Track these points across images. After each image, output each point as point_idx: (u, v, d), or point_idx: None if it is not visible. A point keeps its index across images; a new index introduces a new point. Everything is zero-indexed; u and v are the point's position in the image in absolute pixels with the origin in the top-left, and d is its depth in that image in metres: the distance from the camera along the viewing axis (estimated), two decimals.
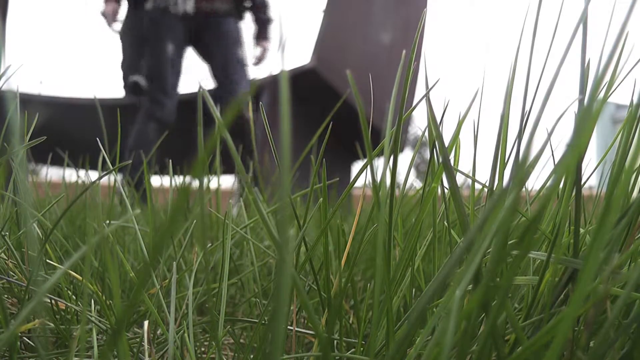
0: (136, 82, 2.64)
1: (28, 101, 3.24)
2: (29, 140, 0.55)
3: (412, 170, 0.57)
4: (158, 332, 0.56)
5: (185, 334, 0.43)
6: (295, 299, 0.51)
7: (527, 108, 0.37)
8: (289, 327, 0.49)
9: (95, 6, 2.76)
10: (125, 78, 2.75)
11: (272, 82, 2.99)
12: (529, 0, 0.39)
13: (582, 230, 0.40)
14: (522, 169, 0.24)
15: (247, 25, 2.92)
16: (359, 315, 0.43)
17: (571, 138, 0.22)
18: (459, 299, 0.24)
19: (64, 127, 2.96)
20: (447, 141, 0.40)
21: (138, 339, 0.49)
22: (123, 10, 2.77)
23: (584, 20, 0.33)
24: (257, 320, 0.47)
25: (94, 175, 0.97)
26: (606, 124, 14.73)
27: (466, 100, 0.42)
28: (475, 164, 0.50)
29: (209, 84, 2.84)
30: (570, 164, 0.30)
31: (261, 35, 2.91)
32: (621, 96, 0.44)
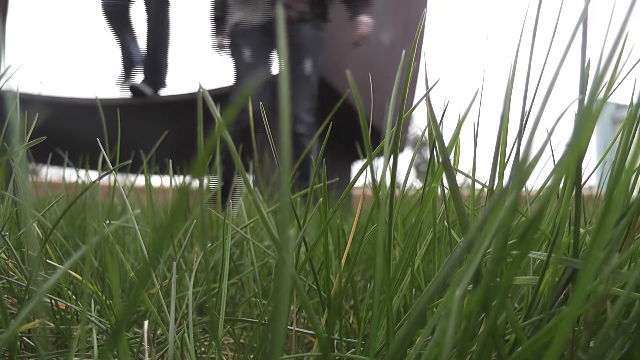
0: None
1: (28, 101, 3.24)
2: (29, 140, 0.55)
3: (412, 170, 0.57)
4: (158, 332, 0.56)
5: (185, 334, 0.43)
6: (295, 299, 0.51)
7: (527, 108, 0.37)
8: (289, 327, 0.49)
9: (95, 6, 2.74)
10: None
11: (272, 82, 2.99)
12: (529, 0, 0.39)
13: (582, 230, 0.40)
14: (522, 169, 0.24)
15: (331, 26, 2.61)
16: (359, 315, 0.43)
17: (571, 138, 0.22)
18: (459, 299, 0.24)
19: (64, 127, 2.96)
20: (447, 141, 0.40)
21: (138, 339, 0.49)
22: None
23: (584, 20, 0.33)
24: (257, 320, 0.47)
25: (94, 175, 0.97)
26: (606, 124, 14.74)
27: (466, 100, 0.42)
28: (475, 164, 0.51)
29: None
30: (570, 164, 0.31)
31: (354, 13, 2.58)
32: (621, 96, 0.44)
